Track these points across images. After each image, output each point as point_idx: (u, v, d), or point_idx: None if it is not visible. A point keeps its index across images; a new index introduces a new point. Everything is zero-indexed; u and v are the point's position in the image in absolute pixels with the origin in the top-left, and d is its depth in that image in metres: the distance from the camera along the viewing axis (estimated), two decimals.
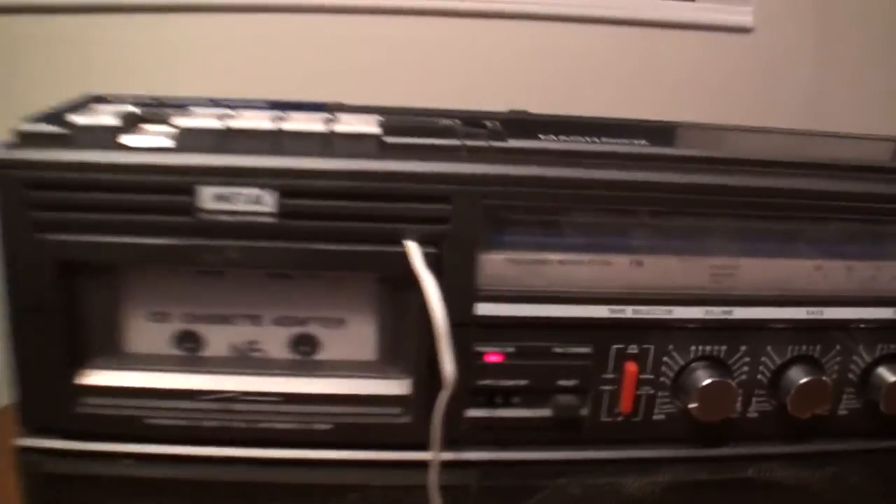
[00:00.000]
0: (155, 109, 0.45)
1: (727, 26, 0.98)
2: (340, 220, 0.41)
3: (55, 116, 0.42)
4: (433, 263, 0.41)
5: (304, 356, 0.45)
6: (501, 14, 0.91)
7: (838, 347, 0.47)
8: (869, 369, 0.47)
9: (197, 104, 0.48)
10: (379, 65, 0.87)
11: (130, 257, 0.41)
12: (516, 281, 0.43)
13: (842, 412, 0.48)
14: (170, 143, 0.41)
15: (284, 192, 0.40)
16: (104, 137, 0.41)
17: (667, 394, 0.46)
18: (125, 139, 0.41)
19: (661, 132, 0.55)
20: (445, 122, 0.45)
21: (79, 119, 0.41)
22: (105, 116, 0.42)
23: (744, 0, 0.94)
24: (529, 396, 0.45)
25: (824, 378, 0.45)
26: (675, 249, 0.45)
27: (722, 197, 0.43)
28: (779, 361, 0.46)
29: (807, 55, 0.98)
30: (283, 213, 0.40)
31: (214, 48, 0.85)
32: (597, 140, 0.46)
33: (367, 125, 0.42)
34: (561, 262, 0.44)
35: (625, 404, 0.45)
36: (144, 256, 0.41)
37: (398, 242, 0.41)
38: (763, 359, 0.46)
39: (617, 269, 0.44)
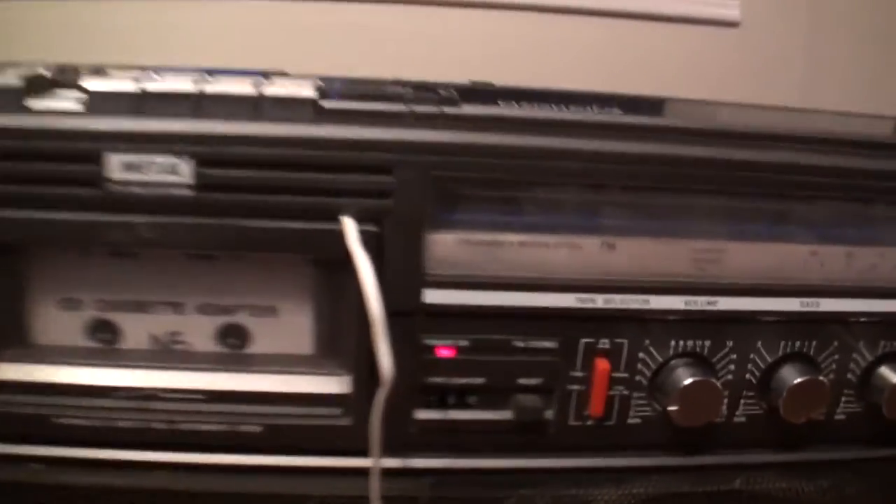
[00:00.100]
0: (68, 73, 0.39)
1: (714, 20, 0.94)
2: (267, 194, 0.35)
3: None
4: (373, 243, 0.35)
5: (233, 349, 0.39)
6: (485, 4, 0.85)
7: (836, 344, 0.41)
8: (870, 369, 0.43)
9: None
10: (369, 54, 0.82)
11: (31, 235, 0.35)
12: (470, 265, 0.38)
13: (839, 417, 0.43)
14: (77, 107, 0.35)
15: (203, 161, 0.34)
16: (4, 100, 0.35)
17: (643, 395, 0.41)
18: (28, 102, 0.35)
19: (638, 103, 0.50)
20: (394, 88, 0.39)
21: None
22: (8, 78, 0.36)
23: None
24: (487, 396, 0.39)
25: (820, 378, 0.41)
26: (653, 231, 0.39)
27: (706, 171, 0.38)
28: (769, 359, 0.41)
29: (795, 51, 0.94)
30: (202, 184, 0.35)
31: (208, 33, 0.80)
32: (564, 108, 0.41)
33: (302, 89, 0.36)
34: (522, 244, 0.38)
35: (595, 406, 0.40)
36: (47, 234, 0.35)
37: (334, 219, 0.35)
38: (752, 356, 0.41)
39: (586, 252, 0.38)
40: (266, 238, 0.35)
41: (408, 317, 0.37)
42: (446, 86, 0.43)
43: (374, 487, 0.37)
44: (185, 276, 0.38)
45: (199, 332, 0.39)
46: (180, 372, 0.37)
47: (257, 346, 0.39)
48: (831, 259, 0.41)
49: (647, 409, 0.41)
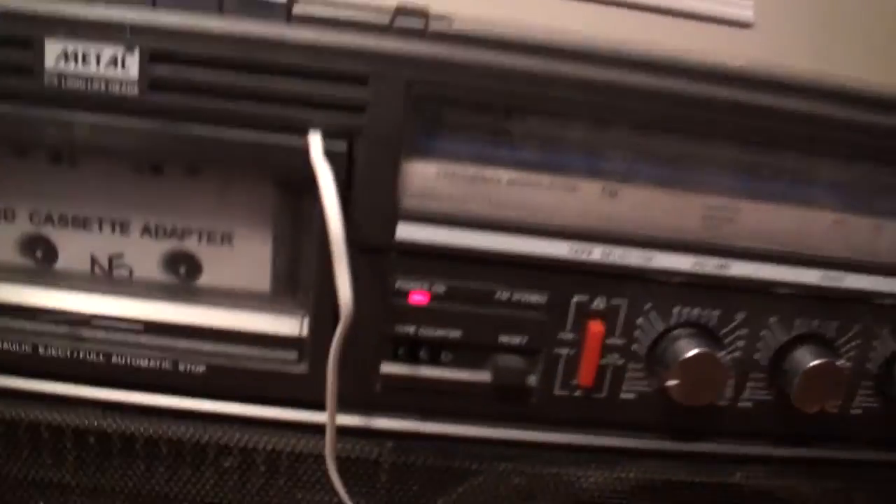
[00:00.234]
0: None
1: (726, 19, 0.88)
2: (225, 98, 0.29)
3: None
4: (342, 164, 0.30)
5: (182, 280, 0.34)
6: None
7: (858, 327, 0.36)
8: (893, 359, 0.36)
9: None
10: None
11: None
12: (452, 200, 0.32)
13: (856, 411, 0.38)
14: None
15: (154, 56, 0.29)
16: None
17: (639, 366, 0.35)
18: None
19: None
20: None
21: None
22: None
23: None
24: (463, 353, 0.34)
25: (838, 363, 0.35)
26: (661, 179, 0.33)
27: (725, 116, 0.32)
28: (783, 338, 0.36)
29: (807, 53, 0.88)
30: (152, 82, 0.29)
31: None
32: None
33: None
34: (511, 182, 0.32)
35: (585, 375, 0.34)
36: None
37: (299, 133, 0.29)
38: (763, 332, 0.35)
39: (584, 196, 0.33)
40: (221, 150, 0.30)
41: (378, 254, 0.32)
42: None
43: (330, 445, 0.31)
44: (130, 191, 0.32)
45: (144, 256, 0.33)
46: (119, 298, 0.32)
47: (208, 278, 0.34)
48: (858, 230, 0.35)
49: (643, 382, 0.35)
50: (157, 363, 0.32)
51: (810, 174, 0.34)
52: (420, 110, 0.31)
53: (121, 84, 0.29)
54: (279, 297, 0.33)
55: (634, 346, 0.35)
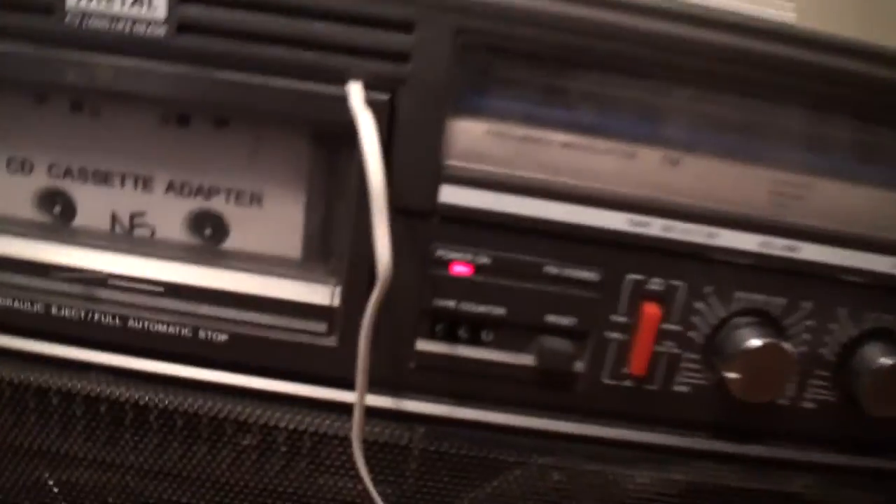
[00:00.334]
0: None
1: (768, 20, 0.85)
2: (258, 43, 0.27)
3: None
4: (383, 117, 0.26)
5: (207, 242, 0.31)
6: None
7: None
8: None
9: None
10: None
11: None
12: (500, 163, 0.29)
13: None
14: None
15: None
16: None
17: (696, 356, 0.31)
18: None
19: None
20: None
21: None
22: None
23: None
24: (505, 333, 0.31)
25: None
26: (728, 149, 0.29)
27: (803, 79, 0.28)
28: (854, 332, 0.31)
29: None
30: (180, 23, 0.26)
31: None
32: None
33: None
34: (565, 145, 0.29)
35: (637, 363, 0.31)
36: None
37: (338, 83, 0.27)
38: (832, 325, 0.31)
39: (644, 164, 0.29)
40: (253, 99, 0.27)
41: (418, 219, 0.28)
42: None
43: (357, 426, 0.28)
44: (155, 145, 0.29)
45: (168, 215, 0.30)
46: (138, 258, 0.29)
47: (234, 241, 0.30)
48: None
49: (699, 374, 0.31)
50: (177, 329, 0.29)
51: (891, 151, 0.31)
52: (469, 62, 0.27)
53: (147, 25, 0.26)
54: (310, 263, 0.30)
55: (692, 334, 0.31)
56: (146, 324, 0.29)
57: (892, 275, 0.31)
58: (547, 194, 0.29)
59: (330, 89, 0.27)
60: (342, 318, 0.29)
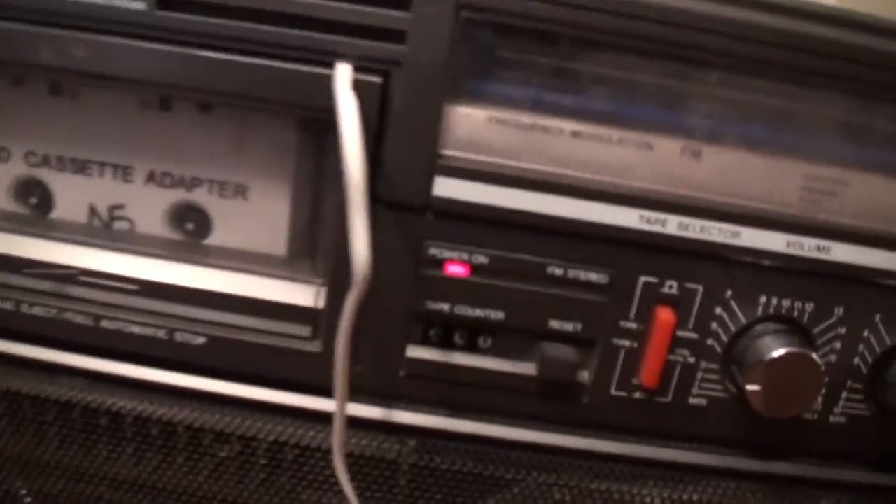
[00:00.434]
0: None
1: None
2: (243, 20, 0.24)
3: None
4: (374, 101, 0.24)
5: (189, 236, 0.28)
6: None
7: None
8: None
9: None
10: None
11: None
12: (502, 153, 0.26)
13: None
14: None
15: None
16: None
17: (714, 366, 0.29)
18: None
19: None
20: None
21: None
22: None
23: None
24: (504, 339, 0.28)
25: None
26: (753, 140, 0.27)
27: (837, 62, 0.25)
28: (889, 341, 0.28)
29: None
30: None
31: None
32: None
33: None
34: (575, 135, 0.26)
35: (648, 374, 0.28)
36: None
37: (328, 65, 0.24)
38: (866, 333, 0.28)
39: (661, 156, 0.26)
40: (236, 79, 0.24)
41: (410, 213, 0.26)
42: None
43: (338, 438, 0.25)
44: (135, 131, 0.27)
45: (148, 208, 0.28)
46: (113, 253, 0.27)
47: (217, 237, 0.28)
48: None
49: (717, 386, 0.29)
50: (151, 330, 0.26)
51: None
52: (470, 41, 0.25)
53: None
54: (295, 262, 0.28)
55: (710, 342, 0.28)
56: (120, 324, 0.26)
57: None
58: (552, 188, 0.26)
59: (317, 71, 0.24)
60: (327, 321, 0.26)
